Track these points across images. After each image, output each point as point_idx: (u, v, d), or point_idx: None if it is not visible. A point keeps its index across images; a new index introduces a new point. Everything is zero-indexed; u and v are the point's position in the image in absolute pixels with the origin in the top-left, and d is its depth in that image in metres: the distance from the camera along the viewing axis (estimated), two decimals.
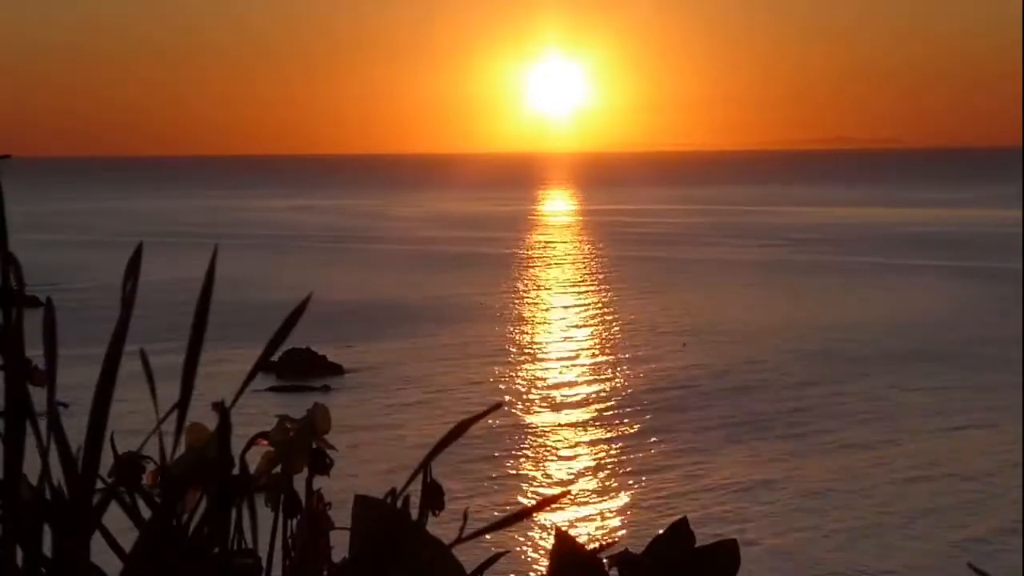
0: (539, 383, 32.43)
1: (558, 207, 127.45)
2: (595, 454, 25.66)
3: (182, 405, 1.74)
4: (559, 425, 27.92)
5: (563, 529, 2.23)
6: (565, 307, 47.72)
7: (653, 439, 26.56)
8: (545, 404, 29.91)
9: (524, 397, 30.46)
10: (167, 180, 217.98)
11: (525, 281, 55.85)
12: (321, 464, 2.11)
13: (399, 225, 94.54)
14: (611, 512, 21.82)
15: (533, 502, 1.77)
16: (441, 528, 2.08)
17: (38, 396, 1.73)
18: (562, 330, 41.71)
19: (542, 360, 35.79)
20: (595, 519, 21.38)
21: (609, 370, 34.37)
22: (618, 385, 32.21)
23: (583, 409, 29.56)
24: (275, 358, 25.49)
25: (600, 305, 48.22)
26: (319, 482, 2.12)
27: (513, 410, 28.30)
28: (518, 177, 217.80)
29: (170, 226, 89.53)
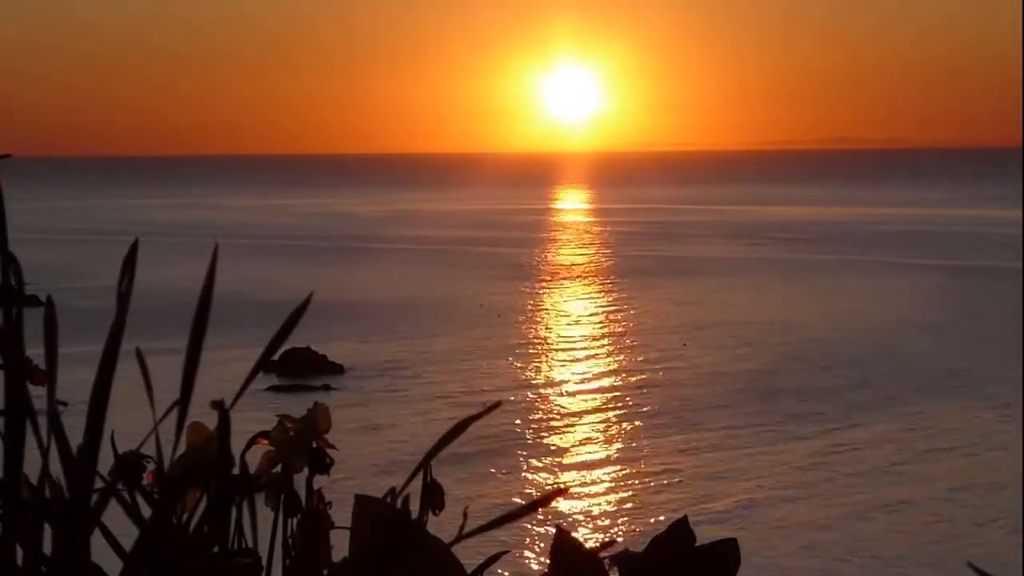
0: (538, 382, 32.43)
1: (565, 206, 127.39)
2: (595, 452, 25.66)
3: (183, 404, 1.73)
4: (557, 424, 27.91)
5: (563, 528, 2.23)
6: (564, 307, 47.71)
7: (655, 437, 26.56)
8: (544, 403, 29.90)
9: (523, 396, 30.44)
10: (183, 179, 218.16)
11: (523, 281, 55.83)
12: (321, 463, 2.11)
13: (415, 224, 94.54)
14: (611, 509, 21.82)
15: (533, 499, 1.77)
16: (441, 527, 2.08)
17: (38, 395, 1.73)
18: (561, 330, 41.69)
19: (541, 359, 35.77)
20: (595, 516, 21.38)
21: (610, 369, 34.36)
22: (619, 383, 32.20)
23: (583, 408, 29.55)
24: (275, 357, 25.48)
25: (599, 304, 48.22)
26: (319, 481, 2.12)
27: (512, 409, 28.29)
28: (528, 177, 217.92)
29: (146, 226, 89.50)
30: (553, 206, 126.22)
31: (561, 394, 31.09)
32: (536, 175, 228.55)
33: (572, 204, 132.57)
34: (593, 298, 50.31)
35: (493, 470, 23.67)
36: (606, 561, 2.17)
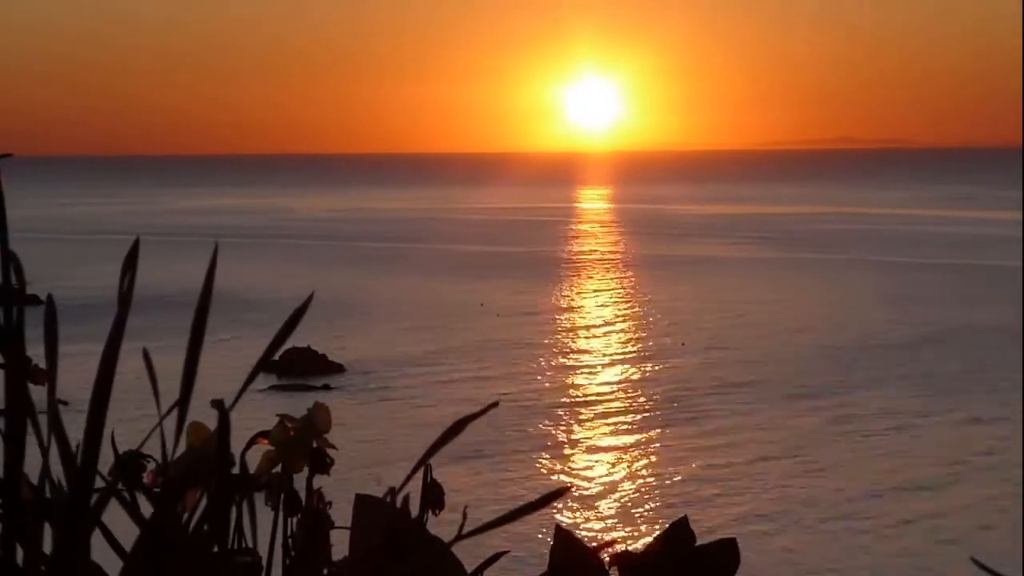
0: (537, 381, 32.43)
1: (567, 205, 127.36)
2: (594, 451, 25.67)
3: (182, 403, 1.73)
4: (556, 422, 27.92)
5: (563, 527, 2.23)
6: (563, 307, 47.73)
7: (654, 436, 26.58)
8: (542, 402, 29.90)
9: (522, 395, 30.44)
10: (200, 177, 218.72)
11: (523, 281, 55.83)
12: (321, 463, 2.11)
13: (419, 223, 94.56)
14: (611, 508, 21.83)
15: (533, 499, 1.77)
16: (441, 527, 2.08)
17: (38, 394, 1.73)
18: (559, 329, 41.69)
19: (540, 358, 35.77)
20: (595, 515, 21.39)
21: (609, 368, 34.38)
22: (618, 383, 32.21)
23: (582, 407, 29.56)
24: (275, 357, 25.48)
25: (599, 303, 48.26)
26: (319, 481, 2.12)
27: (511, 408, 28.29)
28: (541, 176, 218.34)
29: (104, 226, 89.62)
30: (558, 205, 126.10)
31: (560, 393, 31.08)
32: (551, 174, 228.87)
33: (572, 203, 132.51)
34: (593, 298, 50.30)
35: (492, 469, 23.68)
36: (606, 561, 2.17)
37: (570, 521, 20.64)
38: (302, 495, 2.10)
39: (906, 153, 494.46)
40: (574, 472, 24.20)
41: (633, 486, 23.18)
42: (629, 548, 2.23)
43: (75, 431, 1.71)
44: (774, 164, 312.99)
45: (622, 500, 22.40)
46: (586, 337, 39.97)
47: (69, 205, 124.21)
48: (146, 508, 1.84)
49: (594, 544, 2.19)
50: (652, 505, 22.03)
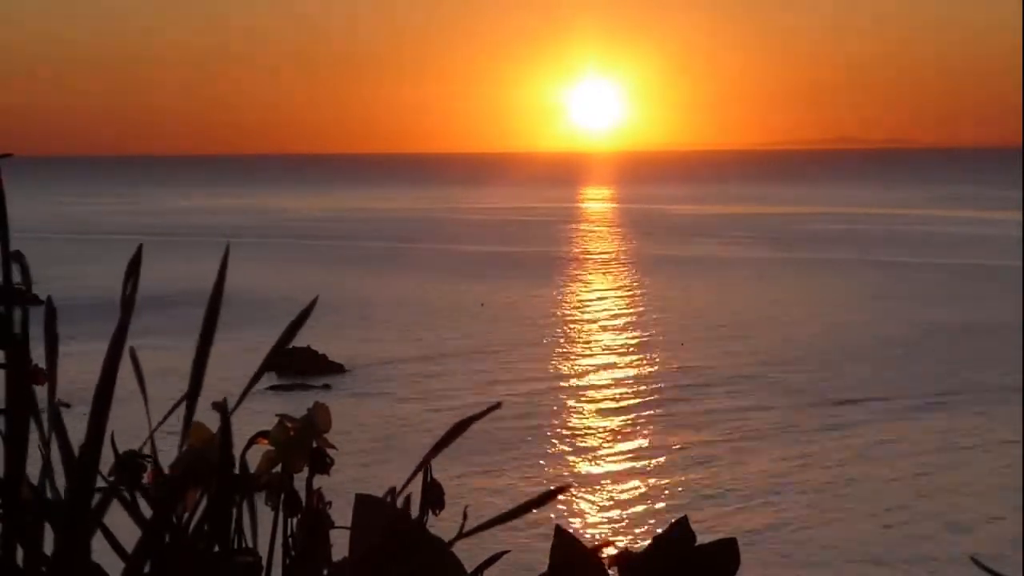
0: (537, 381, 32.43)
1: (567, 204, 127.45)
2: (594, 451, 25.67)
3: (189, 405, 1.74)
4: (556, 423, 27.92)
5: (563, 527, 2.23)
6: (562, 307, 47.73)
7: (655, 436, 26.59)
8: (542, 402, 29.90)
9: (522, 395, 30.44)
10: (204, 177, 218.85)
11: (522, 281, 55.85)
12: (321, 463, 2.11)
13: (419, 223, 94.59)
14: (610, 509, 21.84)
15: (532, 498, 1.77)
16: (442, 527, 2.08)
17: (38, 394, 1.73)
18: (559, 330, 41.70)
19: (540, 358, 35.78)
20: (595, 515, 21.39)
21: (610, 369, 34.38)
22: (618, 383, 32.22)
23: (582, 408, 29.56)
24: None
25: (598, 304, 48.29)
26: (319, 481, 2.12)
27: (510, 408, 28.29)
28: (540, 176, 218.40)
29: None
30: (560, 205, 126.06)
31: (561, 393, 31.08)
32: (553, 174, 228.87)
33: (574, 203, 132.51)
34: (594, 298, 50.31)
35: (493, 469, 23.68)
36: (606, 561, 2.18)
37: (569, 519, 20.64)
38: (302, 495, 2.11)
39: (906, 153, 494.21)
40: (574, 471, 24.20)
41: (633, 487, 23.18)
42: (629, 548, 2.23)
43: (74, 431, 1.71)
44: (774, 164, 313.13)
45: (621, 499, 22.40)
46: (587, 337, 39.97)
47: (69, 205, 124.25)
48: (147, 508, 1.84)
49: (594, 544, 2.19)
50: (651, 504, 22.04)
